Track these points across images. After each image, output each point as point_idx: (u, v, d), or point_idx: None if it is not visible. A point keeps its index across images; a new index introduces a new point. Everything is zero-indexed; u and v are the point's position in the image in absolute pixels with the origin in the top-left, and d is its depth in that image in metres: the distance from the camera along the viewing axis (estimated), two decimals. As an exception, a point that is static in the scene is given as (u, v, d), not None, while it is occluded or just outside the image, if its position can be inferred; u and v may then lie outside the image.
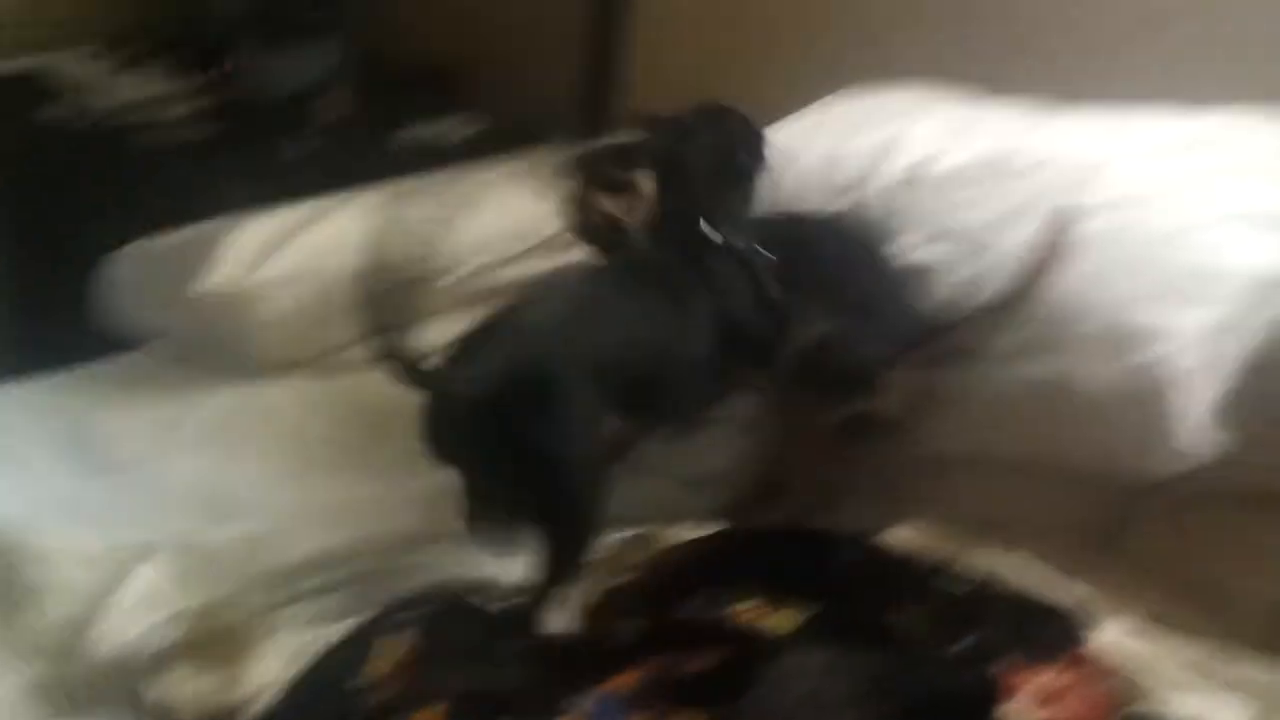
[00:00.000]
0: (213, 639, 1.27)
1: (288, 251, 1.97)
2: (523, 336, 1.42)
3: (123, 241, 2.18)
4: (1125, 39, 2.09)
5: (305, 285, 1.95)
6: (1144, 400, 1.44)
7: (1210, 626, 1.36)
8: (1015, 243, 1.61)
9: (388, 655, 1.24)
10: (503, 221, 2.12)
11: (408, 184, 2.27)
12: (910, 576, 1.32)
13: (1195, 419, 1.43)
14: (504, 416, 1.34)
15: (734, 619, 1.28)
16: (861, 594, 1.30)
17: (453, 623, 1.32)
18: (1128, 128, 1.77)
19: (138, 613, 1.31)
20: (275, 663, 1.28)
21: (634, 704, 1.17)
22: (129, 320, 2.13)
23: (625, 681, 1.26)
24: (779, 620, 1.28)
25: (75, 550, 1.42)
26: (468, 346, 1.42)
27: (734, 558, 1.40)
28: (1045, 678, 1.14)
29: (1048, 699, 1.12)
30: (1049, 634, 1.24)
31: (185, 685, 1.21)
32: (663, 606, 1.35)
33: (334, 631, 1.30)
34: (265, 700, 1.22)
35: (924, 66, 2.19)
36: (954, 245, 1.67)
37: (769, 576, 1.34)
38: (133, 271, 2.10)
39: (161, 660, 1.21)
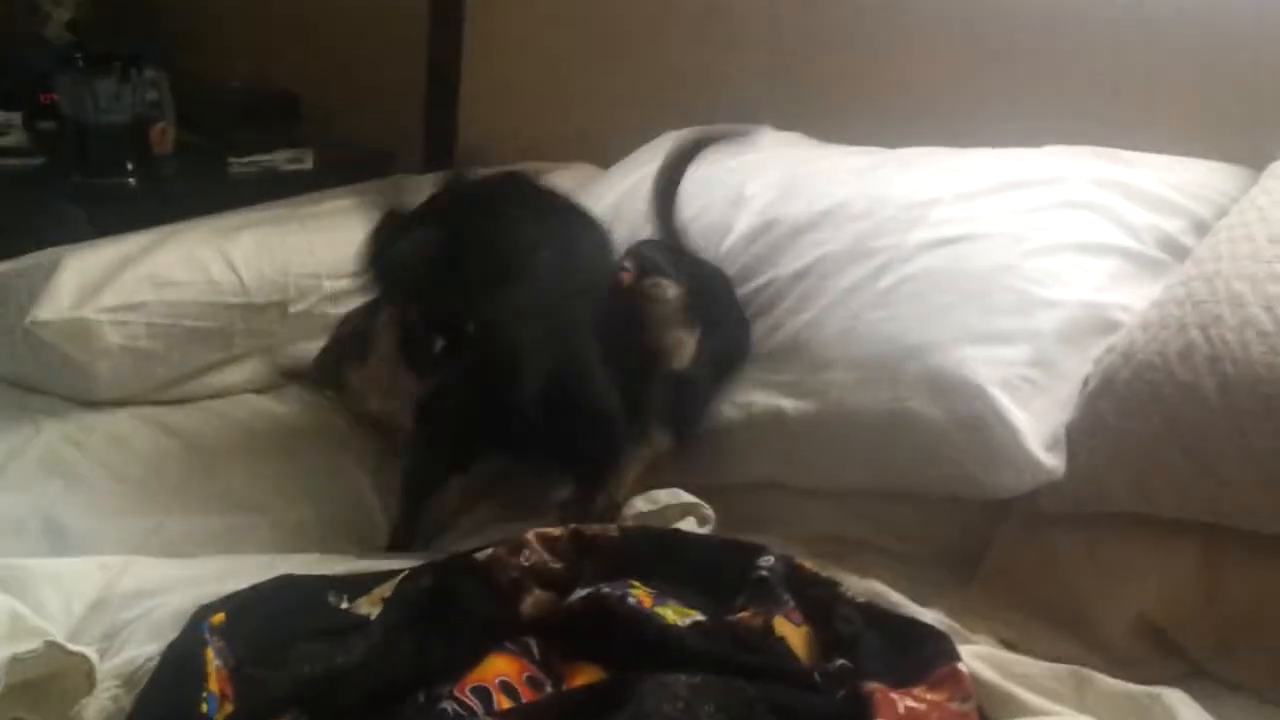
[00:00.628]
0: (48, 680, 1.24)
1: (126, 280, 1.93)
2: None
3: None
4: (950, 86, 2.18)
5: (145, 314, 1.91)
6: (977, 426, 1.49)
7: (1069, 647, 1.39)
8: (846, 286, 1.67)
9: (213, 670, 1.22)
10: (353, 248, 2.10)
11: (250, 213, 2.25)
12: (801, 593, 1.34)
13: (1033, 442, 1.48)
14: None
15: (640, 600, 1.29)
16: (746, 606, 1.32)
17: (258, 620, 1.30)
18: (956, 168, 1.84)
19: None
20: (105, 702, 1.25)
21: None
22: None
23: (501, 670, 1.27)
24: (666, 613, 1.29)
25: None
26: None
27: (632, 554, 1.41)
28: (910, 700, 1.15)
29: (910, 720, 1.14)
30: (919, 655, 1.25)
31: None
32: (565, 586, 1.36)
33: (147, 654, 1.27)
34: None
35: (752, 111, 2.25)
36: (789, 298, 1.72)
37: (659, 575, 1.36)
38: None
39: (1, 706, 1.17)
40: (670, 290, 1.65)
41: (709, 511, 1.55)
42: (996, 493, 1.53)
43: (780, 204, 1.84)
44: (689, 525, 1.54)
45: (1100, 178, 1.72)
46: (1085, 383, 1.54)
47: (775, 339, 1.69)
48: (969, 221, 1.69)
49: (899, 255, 1.66)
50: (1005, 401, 1.49)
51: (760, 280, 1.76)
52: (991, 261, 1.62)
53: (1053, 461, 1.48)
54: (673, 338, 1.65)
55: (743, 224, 1.83)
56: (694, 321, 1.65)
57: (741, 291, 1.77)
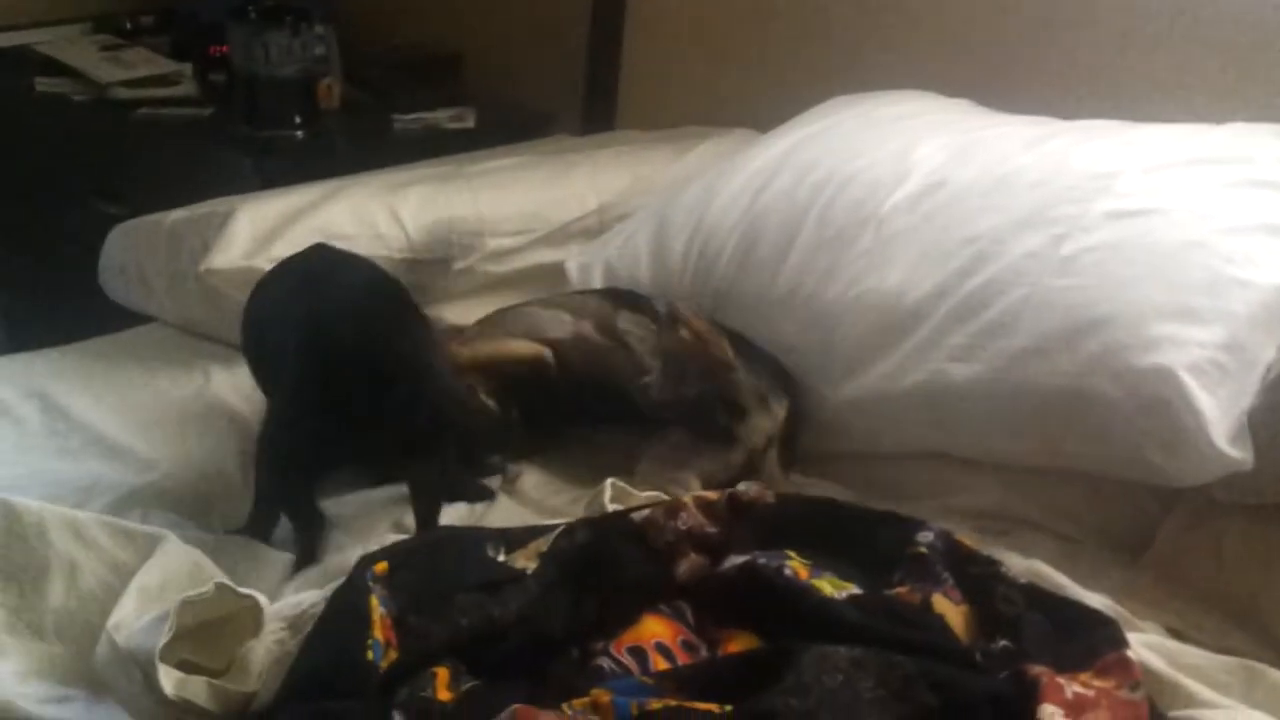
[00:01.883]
0: (218, 625, 1.27)
1: (297, 231, 1.96)
2: None
3: (128, 216, 2.18)
4: (1113, 58, 2.12)
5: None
6: (1162, 410, 1.44)
7: (1236, 639, 1.36)
8: (1022, 252, 1.62)
9: (377, 618, 1.24)
10: (519, 207, 2.12)
11: (416, 169, 2.28)
12: (960, 571, 1.32)
13: (1218, 430, 1.42)
14: None
15: (796, 572, 1.29)
16: (904, 581, 1.31)
17: (419, 570, 1.31)
18: (1134, 142, 1.77)
19: (151, 597, 1.30)
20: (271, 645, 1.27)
21: (657, 689, 1.17)
22: (130, 297, 2.13)
23: (656, 632, 1.28)
24: (823, 585, 1.29)
25: (82, 530, 1.41)
26: None
27: (787, 520, 1.41)
28: (1077, 685, 1.12)
29: (1079, 707, 1.09)
30: (1085, 640, 1.23)
31: (197, 675, 1.21)
32: (719, 551, 1.36)
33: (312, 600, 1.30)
34: (278, 682, 1.21)
35: (915, 79, 2.21)
36: (957, 257, 1.67)
37: (815, 545, 1.36)
38: (136, 247, 2.10)
39: (172, 648, 1.20)
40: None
41: None
42: (1176, 481, 1.48)
43: (951, 166, 1.79)
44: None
45: (1282, 157, 1.65)
46: (1268, 370, 1.48)
47: (945, 302, 1.63)
48: (1155, 195, 1.62)
49: (1081, 224, 1.60)
50: (1194, 387, 1.43)
51: (927, 240, 1.71)
52: (1180, 236, 1.56)
53: (1239, 454, 1.42)
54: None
55: (912, 183, 1.78)
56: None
57: (906, 251, 1.72)
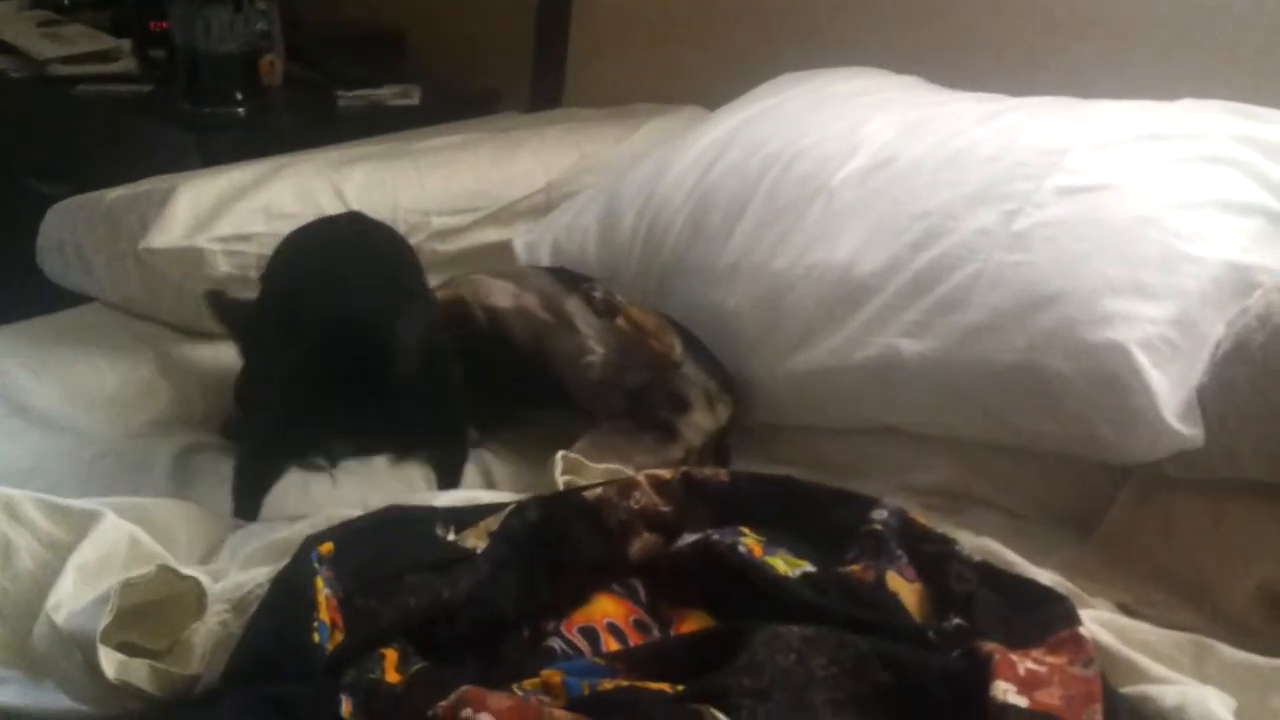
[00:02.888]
0: (159, 605, 1.24)
1: (239, 210, 1.93)
2: None
3: (68, 194, 2.14)
4: (1060, 34, 2.12)
5: (257, 244, 1.91)
6: (1113, 387, 1.43)
7: (1187, 615, 1.36)
8: (974, 228, 1.61)
9: (323, 599, 1.22)
10: (465, 185, 2.10)
11: (359, 146, 2.25)
12: (913, 548, 1.31)
13: (1169, 407, 1.42)
14: None
15: (750, 549, 1.28)
16: (857, 559, 1.30)
17: (366, 550, 1.29)
18: (1085, 118, 1.77)
19: (90, 576, 1.28)
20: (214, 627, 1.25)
21: (609, 670, 1.16)
22: (68, 276, 2.09)
23: (608, 612, 1.27)
24: (776, 563, 1.27)
25: (15, 508, 1.38)
26: None
27: (741, 499, 1.39)
28: (1029, 662, 1.12)
29: (1031, 683, 1.09)
30: (1038, 617, 1.22)
31: (138, 657, 1.18)
32: (673, 530, 1.35)
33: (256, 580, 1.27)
34: (222, 665, 1.19)
35: (864, 55, 2.21)
36: (909, 231, 1.66)
37: (770, 523, 1.34)
38: (75, 226, 2.06)
39: (113, 630, 1.18)
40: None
41: None
42: (1127, 458, 1.47)
43: (902, 141, 1.78)
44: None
45: (1240, 134, 1.64)
46: (1217, 347, 1.48)
47: (896, 277, 1.63)
48: (1106, 170, 1.61)
49: (1033, 200, 1.59)
50: (1145, 363, 1.42)
51: (878, 214, 1.70)
52: (1132, 212, 1.55)
53: (1189, 430, 1.42)
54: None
55: (862, 158, 1.77)
56: None
57: (856, 224, 1.71)
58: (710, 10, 2.56)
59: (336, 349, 1.54)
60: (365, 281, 1.63)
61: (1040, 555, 1.40)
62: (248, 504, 1.55)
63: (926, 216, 1.65)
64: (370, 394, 1.55)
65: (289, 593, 1.21)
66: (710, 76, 2.43)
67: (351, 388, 1.54)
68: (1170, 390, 1.43)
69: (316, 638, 1.16)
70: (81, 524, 1.32)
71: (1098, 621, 1.26)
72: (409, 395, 1.57)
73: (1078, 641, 1.18)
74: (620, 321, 1.67)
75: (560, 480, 1.49)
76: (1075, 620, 1.22)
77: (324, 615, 1.18)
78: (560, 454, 1.52)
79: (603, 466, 1.53)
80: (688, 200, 1.88)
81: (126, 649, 1.18)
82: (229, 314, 1.77)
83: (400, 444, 1.65)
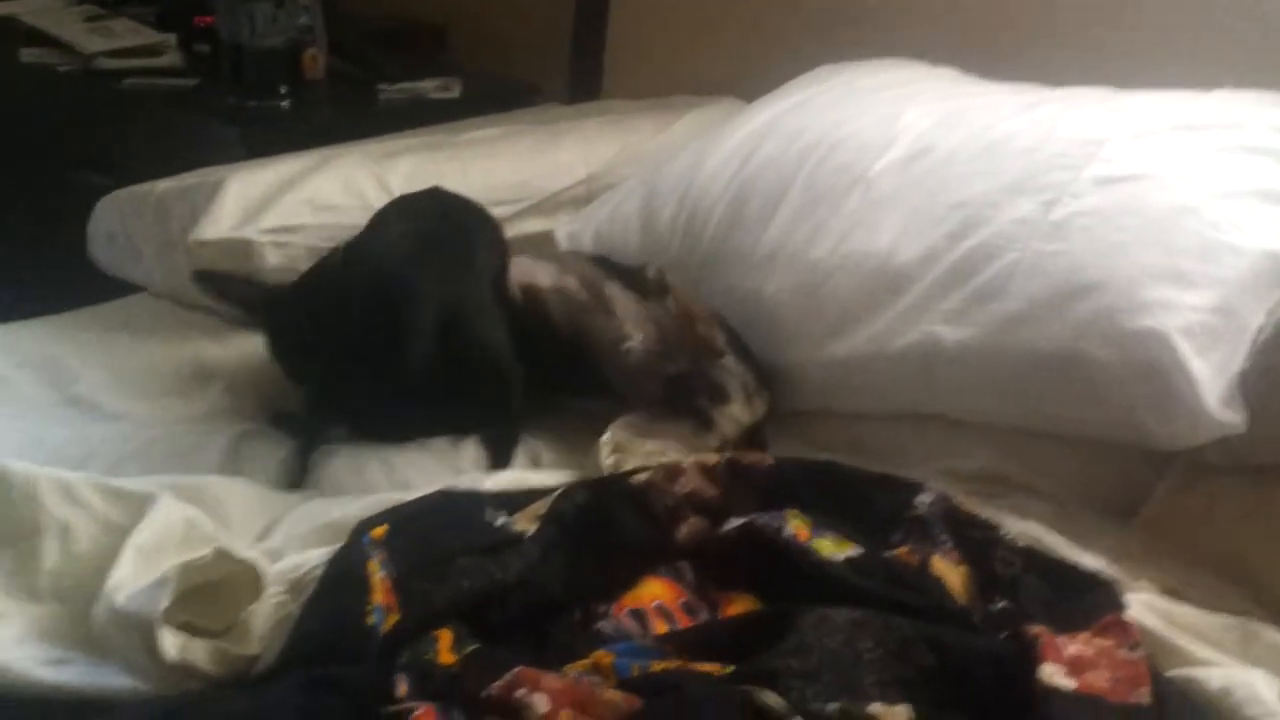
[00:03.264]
0: (216, 586, 1.27)
1: (287, 202, 1.96)
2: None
3: (114, 186, 2.17)
4: (1097, 25, 2.12)
5: (304, 236, 1.94)
6: (1154, 374, 1.43)
7: (1232, 600, 1.35)
8: (1012, 218, 1.62)
9: (377, 581, 1.24)
10: (508, 176, 2.12)
11: (404, 138, 2.27)
12: (958, 533, 1.33)
13: (1210, 394, 1.42)
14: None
15: (796, 533, 1.30)
16: (902, 543, 1.31)
17: (419, 534, 1.32)
18: (1122, 108, 1.77)
19: (148, 557, 1.30)
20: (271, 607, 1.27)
21: (658, 651, 1.17)
22: (119, 266, 2.12)
23: (657, 594, 1.28)
24: (822, 545, 1.29)
25: (73, 491, 1.41)
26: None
27: (786, 483, 1.41)
28: (1076, 645, 1.13)
29: (1078, 667, 1.10)
30: (1083, 602, 1.23)
31: (197, 639, 1.21)
32: (719, 514, 1.37)
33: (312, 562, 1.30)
34: (279, 645, 1.21)
35: (900, 47, 2.21)
36: (947, 221, 1.67)
37: (814, 507, 1.36)
38: (125, 217, 2.09)
39: (172, 610, 1.20)
40: None
41: None
42: (1168, 444, 1.47)
43: (939, 131, 1.79)
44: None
45: (1279, 124, 1.65)
46: (1258, 334, 1.48)
47: (935, 266, 1.63)
48: (1145, 160, 1.62)
49: (1071, 190, 1.59)
50: (1186, 350, 1.42)
51: (915, 203, 1.70)
52: (1171, 201, 1.55)
53: (1231, 417, 1.42)
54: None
55: (900, 148, 1.78)
56: None
57: (894, 214, 1.71)
58: (748, 2, 2.57)
59: (365, 321, 1.58)
60: (407, 251, 1.66)
61: (1083, 541, 1.40)
62: (295, 474, 1.58)
63: (964, 206, 1.66)
64: (399, 369, 1.57)
65: (344, 576, 1.24)
66: (747, 69, 2.44)
67: (383, 363, 1.57)
68: (1211, 377, 1.43)
69: (372, 620, 1.18)
70: (138, 506, 1.35)
71: (1143, 605, 1.27)
72: (447, 374, 1.59)
73: (1123, 625, 1.19)
74: (670, 303, 1.68)
75: (607, 463, 1.50)
76: (1121, 604, 1.23)
77: (379, 598, 1.21)
78: (606, 435, 1.53)
79: (648, 446, 1.54)
80: (726, 190, 1.90)
81: (185, 629, 1.20)
82: (226, 290, 1.82)
83: (449, 424, 1.66)
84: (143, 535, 1.31)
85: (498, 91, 2.85)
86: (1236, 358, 1.46)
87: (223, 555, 1.25)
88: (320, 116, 2.75)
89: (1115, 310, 1.48)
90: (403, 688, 1.13)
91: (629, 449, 1.55)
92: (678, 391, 1.68)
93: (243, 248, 1.92)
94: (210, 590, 1.25)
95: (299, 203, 1.96)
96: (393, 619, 1.20)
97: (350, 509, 1.40)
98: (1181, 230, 1.52)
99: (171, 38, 2.92)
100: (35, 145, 2.87)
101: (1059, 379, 1.51)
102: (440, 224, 1.73)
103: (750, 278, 1.79)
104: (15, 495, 1.37)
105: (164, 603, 1.18)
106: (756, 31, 2.54)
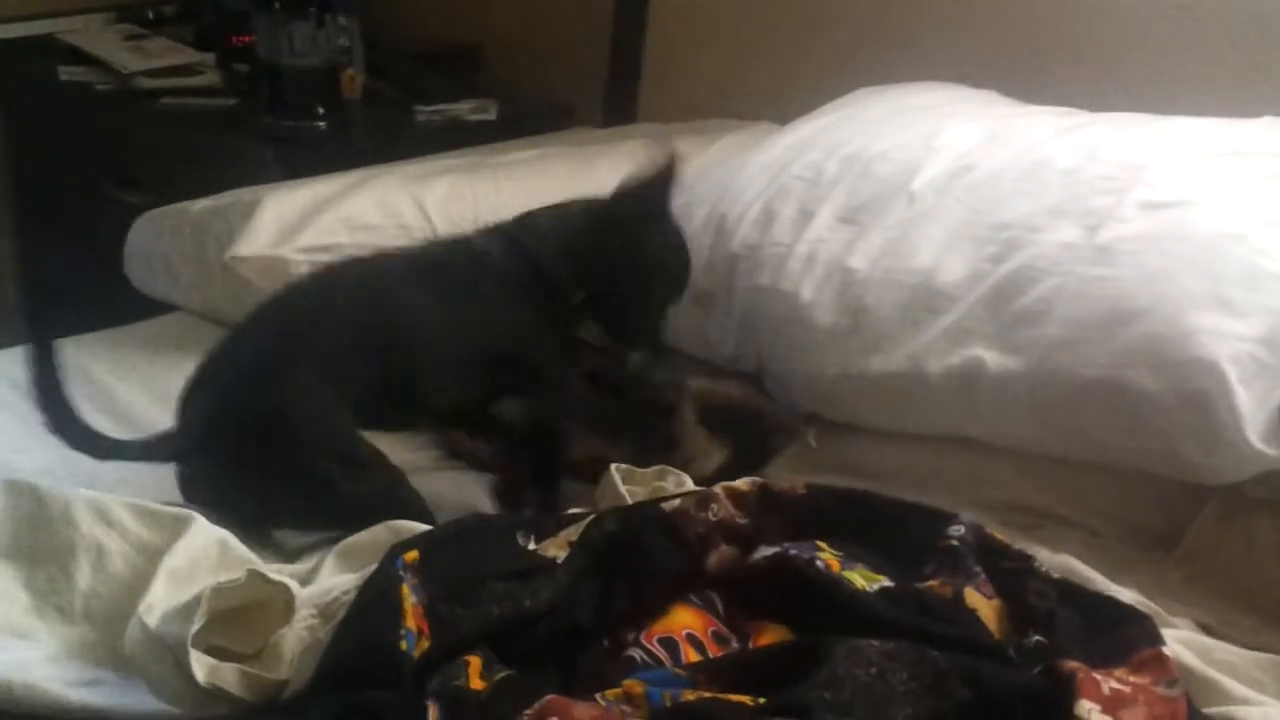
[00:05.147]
0: (247, 610, 1.27)
1: (323, 221, 1.97)
2: (231, 371, 1.51)
3: (151, 205, 2.18)
4: (1135, 50, 2.12)
5: (340, 255, 1.92)
6: (1202, 404, 1.42)
7: (1270, 637, 1.34)
8: (1056, 241, 1.61)
9: (409, 606, 1.23)
10: (543, 199, 2.11)
11: (440, 159, 2.28)
12: (992, 565, 1.31)
13: (1254, 427, 1.40)
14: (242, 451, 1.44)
15: (828, 564, 1.28)
16: (935, 574, 1.30)
17: (450, 558, 1.30)
18: (1165, 133, 1.76)
19: (181, 579, 1.30)
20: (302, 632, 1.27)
21: (689, 680, 1.17)
22: (156, 285, 2.13)
23: (687, 623, 1.27)
24: (854, 577, 1.28)
25: (107, 513, 1.41)
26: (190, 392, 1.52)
27: (817, 512, 1.40)
28: (1113, 681, 1.11)
29: (1116, 703, 1.08)
30: (1120, 636, 1.22)
31: (228, 661, 1.20)
32: (749, 542, 1.36)
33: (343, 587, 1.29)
34: (309, 670, 1.21)
35: (938, 72, 2.21)
36: (990, 242, 1.66)
37: (846, 537, 1.35)
38: (162, 236, 2.10)
39: (203, 634, 1.20)
40: None
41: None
42: (1210, 477, 1.45)
43: (982, 150, 1.78)
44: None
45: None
46: None
47: (977, 287, 1.62)
48: (1189, 186, 1.61)
49: (1115, 214, 1.58)
50: (1235, 381, 1.41)
51: (958, 222, 1.70)
52: (1216, 228, 1.54)
53: (1275, 452, 1.40)
54: None
55: (942, 163, 1.78)
56: None
57: (936, 230, 1.71)
58: (785, 26, 2.57)
59: None
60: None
61: (1119, 573, 1.39)
62: None
63: (1007, 228, 1.65)
64: None
65: (376, 600, 1.23)
66: (784, 93, 2.44)
67: None
68: (1255, 410, 1.41)
69: (404, 645, 1.17)
70: (172, 528, 1.35)
71: (1180, 641, 1.26)
72: None
73: (1161, 661, 1.17)
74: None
75: (623, 489, 1.50)
76: (1158, 639, 1.21)
77: (410, 623, 1.20)
78: (614, 466, 1.53)
79: (655, 469, 1.54)
80: (763, 193, 1.89)
81: (215, 652, 1.20)
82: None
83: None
84: (176, 558, 1.31)
85: (533, 113, 2.86)
86: (1278, 390, 1.44)
87: (255, 577, 1.25)
88: (357, 137, 2.77)
89: (1162, 338, 1.46)
90: (434, 714, 1.12)
91: (635, 479, 1.54)
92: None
93: (279, 265, 1.92)
94: (241, 614, 1.25)
95: (336, 221, 1.97)
96: (424, 644, 1.20)
97: (380, 536, 1.39)
98: (1228, 257, 1.51)
99: (210, 57, 2.95)
100: (73, 163, 2.89)
101: (1102, 407, 1.49)
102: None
103: (787, 279, 1.78)
104: (49, 516, 1.38)
105: (196, 625, 1.18)
106: (793, 56, 2.54)
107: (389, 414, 1.56)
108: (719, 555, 1.36)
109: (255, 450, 1.43)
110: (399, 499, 1.49)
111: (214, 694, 1.18)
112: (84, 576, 1.34)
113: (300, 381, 1.46)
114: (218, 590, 1.21)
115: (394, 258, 1.63)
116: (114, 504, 1.39)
